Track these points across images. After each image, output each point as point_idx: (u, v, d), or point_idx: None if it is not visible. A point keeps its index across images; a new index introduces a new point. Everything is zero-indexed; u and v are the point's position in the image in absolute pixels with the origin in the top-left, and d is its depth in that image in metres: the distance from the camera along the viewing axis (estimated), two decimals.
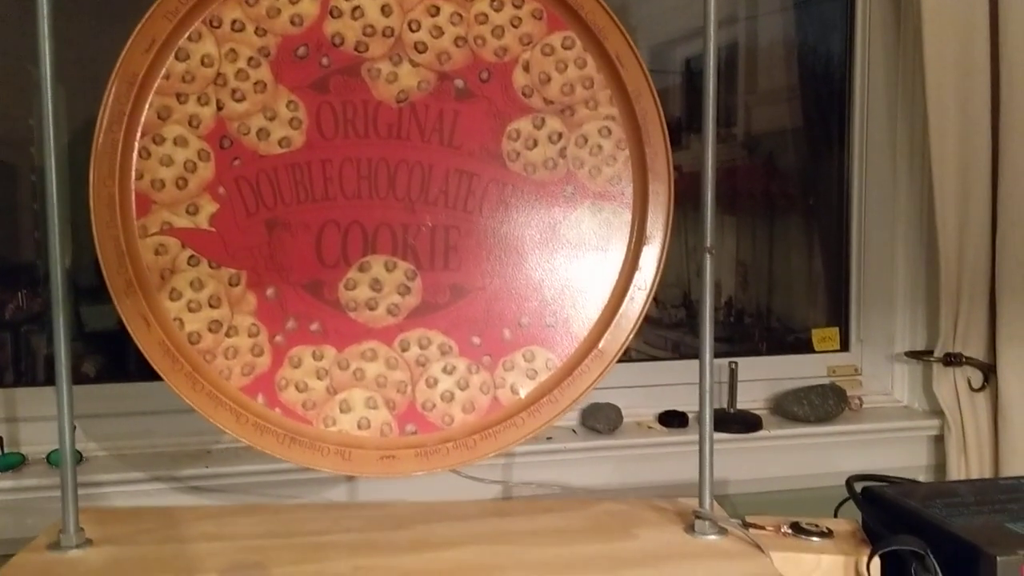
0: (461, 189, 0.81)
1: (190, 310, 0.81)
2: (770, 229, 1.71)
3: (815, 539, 0.86)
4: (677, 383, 1.52)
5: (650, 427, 1.48)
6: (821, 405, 1.45)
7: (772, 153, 1.71)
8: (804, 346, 1.58)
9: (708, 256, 0.82)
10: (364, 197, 0.81)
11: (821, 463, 1.41)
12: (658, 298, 1.86)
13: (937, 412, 1.46)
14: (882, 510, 0.88)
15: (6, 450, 1.34)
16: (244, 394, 0.81)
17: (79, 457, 1.31)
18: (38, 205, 1.62)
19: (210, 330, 0.81)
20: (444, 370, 0.83)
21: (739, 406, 1.48)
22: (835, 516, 0.96)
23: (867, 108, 1.52)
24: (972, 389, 1.43)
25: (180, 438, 1.41)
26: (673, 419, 1.48)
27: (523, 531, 0.87)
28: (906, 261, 1.51)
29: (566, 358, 0.83)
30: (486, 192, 0.82)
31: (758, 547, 0.82)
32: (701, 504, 0.84)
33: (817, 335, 1.52)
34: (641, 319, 0.83)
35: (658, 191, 0.82)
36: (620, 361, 1.71)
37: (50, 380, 1.47)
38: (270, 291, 0.82)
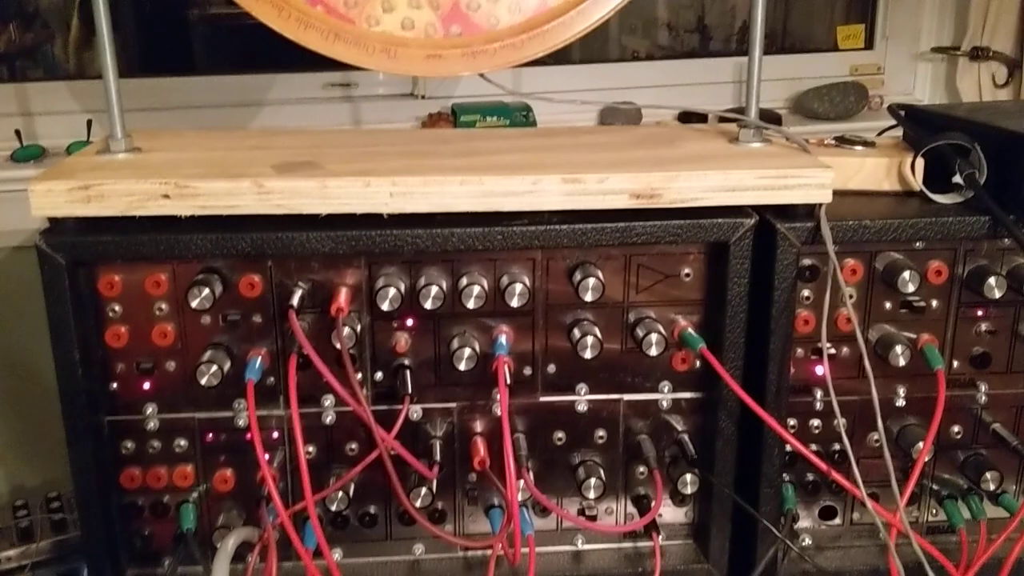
0: None
1: None
2: None
3: (859, 147, 0.87)
4: (696, 83, 1.50)
5: (669, 126, 1.48)
6: (842, 102, 1.44)
7: None
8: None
9: None
10: None
11: None
12: (671, 24, 1.80)
13: None
14: (926, 125, 0.87)
15: (24, 143, 1.33)
16: None
17: None
18: None
19: None
20: None
21: (761, 105, 1.47)
22: None
23: None
24: (996, 85, 1.42)
25: None
26: (692, 118, 1.47)
27: (568, 144, 0.87)
28: None
29: None
30: None
31: (802, 148, 0.83)
32: (747, 113, 0.84)
33: (842, 32, 1.49)
34: None
35: None
36: (638, 59, 1.67)
37: (56, 75, 1.44)
38: None
